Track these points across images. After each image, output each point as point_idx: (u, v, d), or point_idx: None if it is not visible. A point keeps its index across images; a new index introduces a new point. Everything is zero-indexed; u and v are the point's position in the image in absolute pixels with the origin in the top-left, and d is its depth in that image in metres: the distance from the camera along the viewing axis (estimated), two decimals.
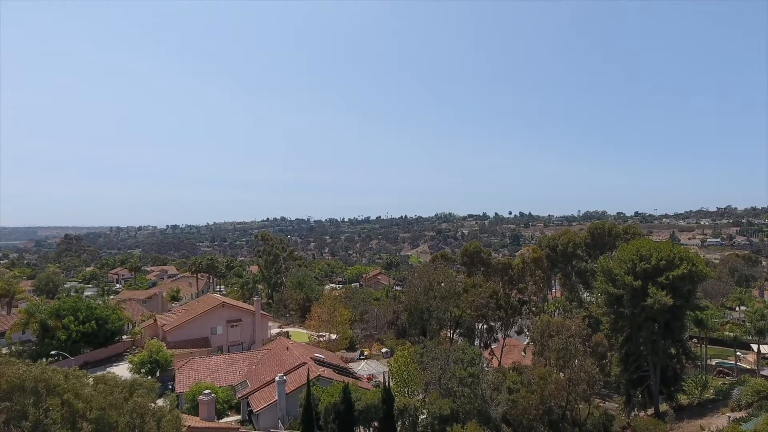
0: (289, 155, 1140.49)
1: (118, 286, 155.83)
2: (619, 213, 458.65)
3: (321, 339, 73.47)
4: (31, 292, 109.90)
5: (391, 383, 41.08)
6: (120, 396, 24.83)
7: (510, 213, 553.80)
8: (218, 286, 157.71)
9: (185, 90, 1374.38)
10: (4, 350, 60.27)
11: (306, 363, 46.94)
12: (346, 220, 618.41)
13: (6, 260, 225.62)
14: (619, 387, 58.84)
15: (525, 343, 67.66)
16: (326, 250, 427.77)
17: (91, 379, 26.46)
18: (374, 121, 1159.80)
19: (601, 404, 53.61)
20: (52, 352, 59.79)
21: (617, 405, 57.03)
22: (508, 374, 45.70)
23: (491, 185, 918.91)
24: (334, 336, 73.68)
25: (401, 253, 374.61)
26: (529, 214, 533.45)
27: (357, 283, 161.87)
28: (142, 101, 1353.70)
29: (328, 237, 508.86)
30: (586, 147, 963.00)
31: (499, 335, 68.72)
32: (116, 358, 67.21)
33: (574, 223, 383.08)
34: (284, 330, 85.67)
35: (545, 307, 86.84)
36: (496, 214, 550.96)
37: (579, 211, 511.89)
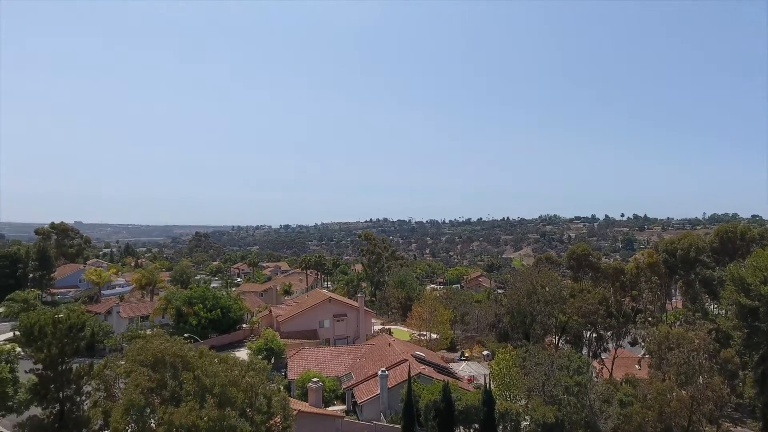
0: (390, 158, 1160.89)
1: (238, 279, 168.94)
2: (754, 216, 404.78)
3: (422, 338, 73.75)
4: (168, 282, 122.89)
5: (492, 386, 40.11)
6: (238, 375, 26.97)
7: (622, 215, 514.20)
8: (325, 283, 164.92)
9: (298, 98, 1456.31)
10: (148, 331, 68.19)
11: (407, 360, 47.42)
12: (447, 221, 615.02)
13: (149, 254, 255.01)
14: (755, 411, 52.03)
15: (640, 355, 62.42)
16: (427, 251, 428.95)
17: (216, 359, 29.08)
18: (476, 123, 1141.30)
19: (732, 429, 47.83)
20: (185, 335, 66.39)
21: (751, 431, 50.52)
22: (619, 387, 42.50)
23: (600, 186, 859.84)
24: (434, 335, 73.60)
25: (503, 256, 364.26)
26: (645, 216, 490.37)
27: (458, 285, 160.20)
28: (261, 110, 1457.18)
29: (429, 238, 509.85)
30: (710, 143, 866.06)
31: (610, 345, 64.08)
32: (237, 344, 72.93)
33: (698, 227, 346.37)
34: (386, 327, 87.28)
35: (663, 317, 79.41)
36: (606, 216, 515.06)
37: (704, 213, 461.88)
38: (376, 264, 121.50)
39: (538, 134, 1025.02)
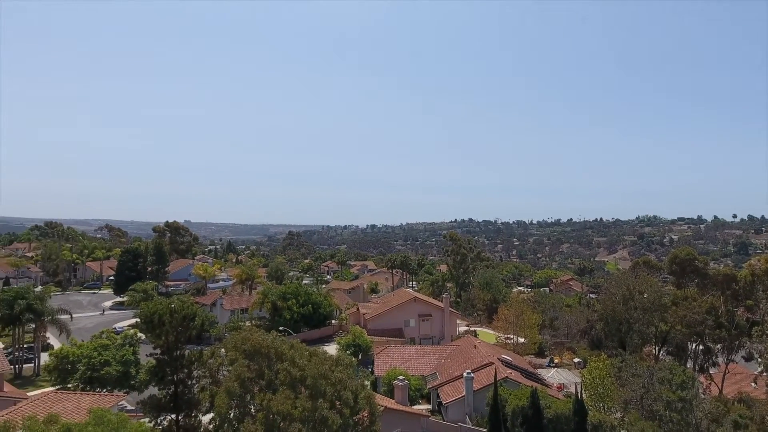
0: (476, 157, 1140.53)
1: (328, 277, 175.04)
2: None
3: (508, 341, 71.79)
4: (265, 277, 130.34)
5: (584, 395, 38.09)
6: (327, 368, 28.01)
7: (734, 216, 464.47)
8: (410, 282, 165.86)
9: (381, 98, 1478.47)
10: (248, 323, 72.85)
11: (493, 363, 46.42)
12: (535, 222, 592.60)
13: (247, 251, 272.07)
14: None
15: (756, 372, 56.07)
16: (513, 253, 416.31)
17: (307, 353, 30.46)
18: (566, 118, 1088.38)
19: None
20: (280, 328, 70.01)
21: None
22: (731, 406, 38.52)
23: (708, 183, 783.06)
24: (521, 339, 71.32)
25: (596, 259, 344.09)
26: (762, 217, 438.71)
27: (546, 288, 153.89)
28: (354, 112, 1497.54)
29: (515, 239, 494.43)
30: None
31: (720, 359, 58.23)
32: (327, 339, 75.63)
33: None
34: (471, 328, 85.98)
35: None
36: (715, 217, 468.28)
37: None
38: (462, 265, 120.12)
39: (635, 128, 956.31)
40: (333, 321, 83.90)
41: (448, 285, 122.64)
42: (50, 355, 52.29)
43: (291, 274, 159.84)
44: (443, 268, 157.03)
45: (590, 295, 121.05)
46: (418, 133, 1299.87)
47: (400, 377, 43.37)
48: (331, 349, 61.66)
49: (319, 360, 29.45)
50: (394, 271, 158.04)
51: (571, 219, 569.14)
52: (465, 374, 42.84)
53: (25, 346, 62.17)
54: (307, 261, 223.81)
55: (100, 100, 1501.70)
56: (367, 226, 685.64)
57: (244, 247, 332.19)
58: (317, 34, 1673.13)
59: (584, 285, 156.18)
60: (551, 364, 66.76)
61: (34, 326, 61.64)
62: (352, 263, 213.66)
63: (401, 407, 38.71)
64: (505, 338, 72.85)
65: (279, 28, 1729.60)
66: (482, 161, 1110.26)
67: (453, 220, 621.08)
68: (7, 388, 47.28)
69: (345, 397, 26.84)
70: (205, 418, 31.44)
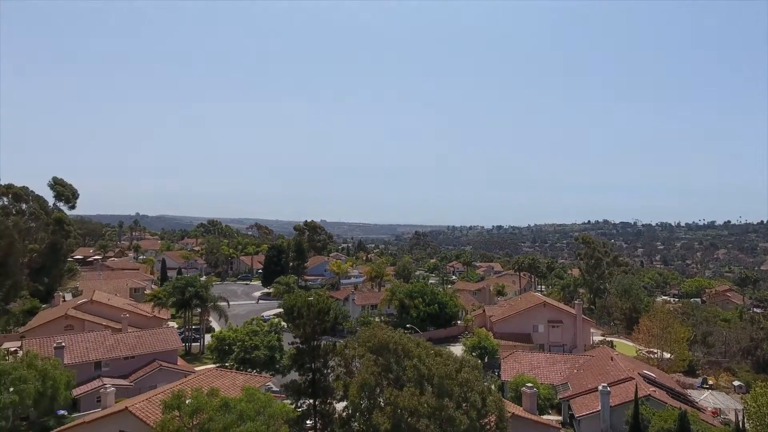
0: (612, 155, 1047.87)
1: (453, 277, 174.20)
2: None
3: (651, 356, 64.79)
4: (393, 275, 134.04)
5: (747, 425, 32.91)
6: (453, 369, 27.83)
7: None
8: (539, 286, 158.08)
9: (517, 97, 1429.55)
10: (377, 319, 75.60)
11: (633, 378, 42.27)
12: (683, 224, 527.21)
13: (376, 250, 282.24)
14: None
15: None
16: (657, 258, 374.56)
17: (432, 351, 30.62)
18: (724, 106, 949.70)
19: None
20: (407, 326, 71.43)
21: None
22: None
23: None
24: (667, 355, 63.88)
25: (761, 267, 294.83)
26: None
27: (697, 299, 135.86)
28: (482, 112, 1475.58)
29: (659, 243, 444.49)
30: None
31: None
32: (452, 340, 75.38)
33: None
34: (607, 339, 79.28)
35: None
36: None
37: None
38: (596, 269, 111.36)
39: None
40: (458, 321, 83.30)
41: (581, 291, 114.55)
42: (212, 336, 59.64)
43: (417, 273, 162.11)
44: (575, 272, 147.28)
45: (755, 310, 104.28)
46: (547, 129, 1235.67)
47: (528, 384, 41.56)
48: (457, 349, 61.26)
49: (444, 360, 29.46)
50: (521, 273, 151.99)
51: (729, 221, 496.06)
52: (600, 388, 39.62)
53: (192, 327, 71.57)
54: (432, 261, 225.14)
55: (265, 117, 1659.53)
56: (493, 226, 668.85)
57: (373, 245, 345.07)
58: (459, 34, 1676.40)
59: (746, 297, 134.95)
60: (704, 386, 58.85)
61: (200, 310, 70.66)
62: (477, 264, 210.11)
63: (530, 416, 37.08)
64: (647, 352, 65.90)
65: (424, 30, 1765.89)
66: (618, 158, 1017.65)
67: (586, 221, 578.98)
68: (180, 362, 54.91)
69: (472, 399, 26.48)
70: (339, 406, 33.24)
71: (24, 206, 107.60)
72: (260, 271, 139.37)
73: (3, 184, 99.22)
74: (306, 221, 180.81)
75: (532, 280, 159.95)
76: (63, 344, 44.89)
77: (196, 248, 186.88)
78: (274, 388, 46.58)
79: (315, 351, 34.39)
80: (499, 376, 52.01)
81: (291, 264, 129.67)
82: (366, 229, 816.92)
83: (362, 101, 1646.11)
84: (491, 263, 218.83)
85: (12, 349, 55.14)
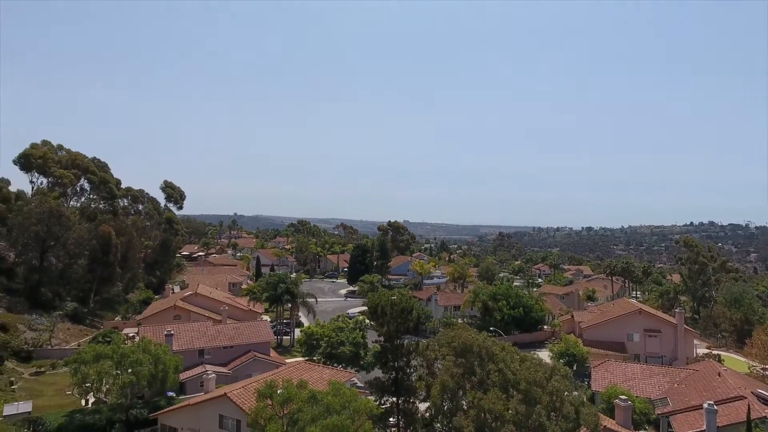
0: (720, 151, 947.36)
1: (539, 280, 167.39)
2: None
3: (766, 373, 57.70)
4: (476, 277, 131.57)
5: None
6: (542, 376, 26.63)
7: None
8: (634, 292, 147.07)
9: (617, 95, 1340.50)
10: (460, 320, 74.64)
11: (745, 397, 37.84)
12: None
13: (459, 251, 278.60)
14: None
15: None
16: None
17: (518, 356, 29.55)
18: None
19: None
20: (491, 329, 69.78)
21: None
22: None
23: None
24: None
25: None
26: None
27: None
28: (591, 111, 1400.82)
29: None
30: None
31: None
32: (538, 345, 72.38)
33: None
34: (714, 352, 71.77)
35: None
36: None
37: None
38: (700, 276, 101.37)
39: None
40: (545, 327, 79.81)
41: (682, 298, 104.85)
42: (301, 331, 62.32)
43: (501, 275, 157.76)
44: (675, 278, 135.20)
45: None
46: (647, 126, 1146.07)
47: (622, 396, 38.77)
48: (543, 355, 58.63)
49: (531, 366, 28.32)
50: (613, 278, 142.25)
51: None
52: (706, 405, 35.93)
53: (284, 321, 75.27)
54: (517, 263, 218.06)
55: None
56: (582, 228, 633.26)
57: (456, 246, 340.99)
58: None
59: None
60: None
61: (290, 306, 74.12)
62: (565, 267, 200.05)
63: (624, 431, 34.57)
64: (761, 369, 58.83)
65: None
66: (727, 155, 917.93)
67: (688, 223, 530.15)
68: (272, 354, 57.98)
69: (566, 410, 25.19)
70: (422, 406, 33.22)
71: (140, 207, 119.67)
72: (346, 269, 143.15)
73: (123, 187, 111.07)
74: (389, 221, 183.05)
75: (626, 285, 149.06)
76: (172, 332, 49.19)
77: (287, 246, 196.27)
78: (359, 384, 47.61)
79: (398, 350, 34.66)
80: (589, 385, 49.06)
81: (375, 263, 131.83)
82: (448, 229, 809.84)
83: (448, 103, 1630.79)
84: (580, 266, 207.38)
85: (131, 335, 61.46)
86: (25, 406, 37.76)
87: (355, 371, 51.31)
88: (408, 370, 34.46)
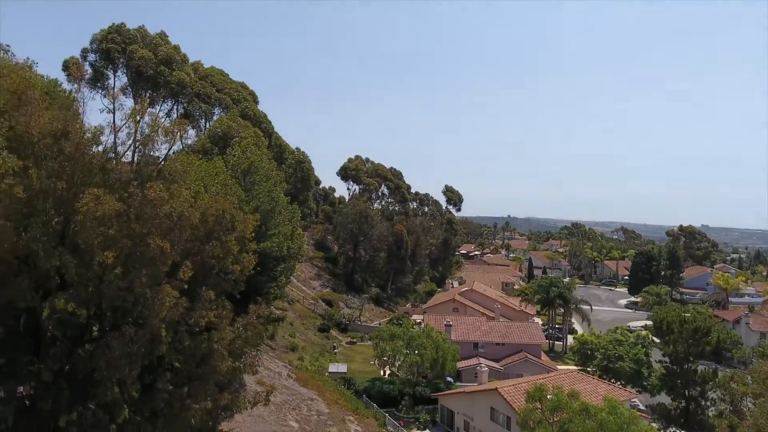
0: None
1: None
2: None
3: None
4: None
5: None
6: None
7: None
8: None
9: None
10: None
11: None
12: None
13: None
14: None
15: None
16: None
17: None
18: None
19: None
20: None
21: None
22: None
23: None
24: None
25: None
26: None
27: None
28: None
29: None
30: None
31: None
32: None
33: None
34: None
35: None
36: None
37: None
38: None
39: None
40: None
41: None
42: (574, 338, 59.21)
43: None
44: None
45: None
46: None
47: None
48: None
49: None
50: None
51: None
52: None
53: (556, 326, 72.72)
54: None
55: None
56: None
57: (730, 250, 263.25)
58: None
59: None
60: None
61: (562, 311, 71.12)
62: None
63: None
64: None
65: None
66: None
67: None
68: (543, 357, 56.87)
69: None
70: None
71: (426, 209, 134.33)
72: (626, 277, 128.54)
73: (412, 191, 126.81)
74: (681, 226, 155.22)
75: None
76: (451, 323, 53.76)
77: (560, 250, 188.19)
78: (640, 406, 42.50)
79: (688, 375, 29.59)
80: None
81: (662, 273, 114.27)
82: (765, 237, 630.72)
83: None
84: None
85: (417, 321, 69.94)
86: (342, 368, 47.63)
87: (637, 392, 45.75)
88: (703, 402, 29.01)
